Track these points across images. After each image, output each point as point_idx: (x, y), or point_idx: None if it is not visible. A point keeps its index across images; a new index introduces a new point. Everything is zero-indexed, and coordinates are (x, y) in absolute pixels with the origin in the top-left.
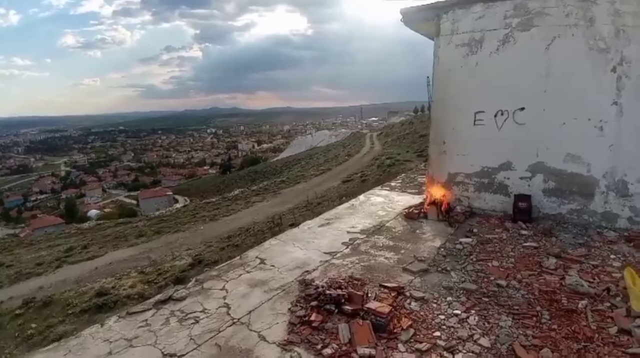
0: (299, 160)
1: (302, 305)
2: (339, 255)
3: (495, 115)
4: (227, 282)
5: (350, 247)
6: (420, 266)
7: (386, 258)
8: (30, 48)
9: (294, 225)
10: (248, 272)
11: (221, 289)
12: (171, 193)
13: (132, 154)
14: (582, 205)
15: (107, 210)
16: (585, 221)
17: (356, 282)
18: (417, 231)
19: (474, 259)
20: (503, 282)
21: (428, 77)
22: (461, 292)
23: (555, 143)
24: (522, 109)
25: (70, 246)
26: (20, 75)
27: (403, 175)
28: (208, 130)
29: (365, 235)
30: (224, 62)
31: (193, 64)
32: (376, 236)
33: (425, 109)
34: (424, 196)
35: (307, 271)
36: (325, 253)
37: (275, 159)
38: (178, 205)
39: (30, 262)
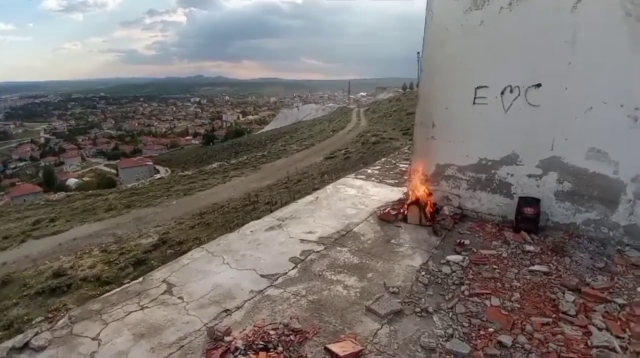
0: (284, 134)
1: None
2: (280, 280)
3: (502, 93)
4: (107, 325)
5: (299, 266)
6: (391, 304)
7: (346, 287)
8: (12, 12)
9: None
10: (143, 307)
11: (93, 338)
12: (152, 163)
13: (113, 122)
14: (603, 215)
15: (86, 179)
16: (603, 235)
17: (293, 337)
18: (393, 241)
19: (466, 293)
20: (507, 339)
21: (418, 52)
22: None
23: (577, 134)
24: (538, 85)
25: (38, 219)
26: (3, 40)
27: (383, 159)
28: (192, 99)
29: (323, 247)
30: (209, 28)
31: (177, 29)
32: (338, 248)
33: (414, 86)
34: (405, 190)
35: (226, 310)
36: (262, 276)
37: (259, 132)
38: (158, 176)
39: None
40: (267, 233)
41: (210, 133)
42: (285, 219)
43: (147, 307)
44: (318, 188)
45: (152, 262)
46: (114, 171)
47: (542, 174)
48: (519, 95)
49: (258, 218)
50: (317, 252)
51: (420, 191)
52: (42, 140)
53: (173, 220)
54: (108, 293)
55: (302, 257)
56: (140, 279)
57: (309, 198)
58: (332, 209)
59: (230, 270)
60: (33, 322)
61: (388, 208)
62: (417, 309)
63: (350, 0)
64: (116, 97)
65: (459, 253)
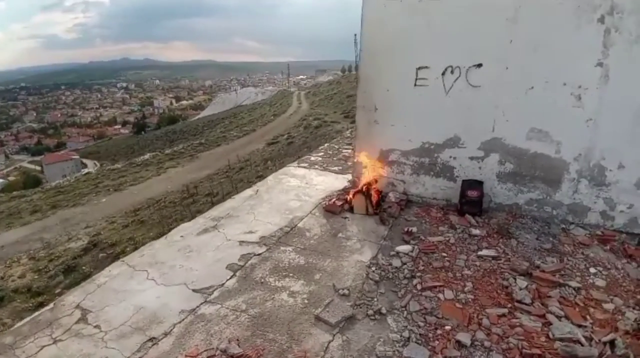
0: (222, 120)
1: None
2: (216, 293)
3: (444, 73)
4: None
5: (238, 274)
6: (342, 310)
7: (292, 294)
8: None
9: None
10: (55, 340)
11: None
12: (78, 156)
13: (34, 114)
14: (545, 195)
15: (11, 178)
16: (547, 214)
17: None
18: (340, 235)
19: (419, 288)
20: (465, 338)
21: (355, 34)
22: None
23: (518, 114)
24: (479, 65)
25: None
26: None
27: (326, 145)
28: (118, 85)
29: (265, 248)
30: (134, 7)
31: (100, 9)
32: (282, 248)
33: (352, 69)
34: (350, 178)
35: (152, 339)
36: (194, 291)
37: (196, 118)
38: (86, 171)
39: None
40: (200, 238)
41: (140, 121)
42: (221, 219)
43: (60, 340)
44: (262, 177)
45: (83, 268)
46: (38, 168)
47: (484, 156)
48: (459, 76)
49: (199, 211)
50: (259, 254)
51: (365, 179)
52: None
53: (104, 219)
54: (19, 324)
55: (242, 263)
56: (51, 305)
57: (248, 192)
58: (274, 203)
59: (157, 287)
60: None
61: (333, 199)
62: (370, 312)
63: None
64: (37, 86)
65: (407, 242)
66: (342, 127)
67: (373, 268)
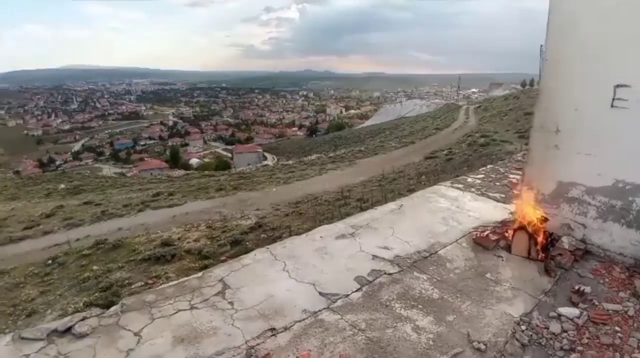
0: (383, 130)
1: None
2: (339, 302)
3: None
4: (153, 321)
5: (364, 289)
6: None
7: (416, 329)
8: (144, 3)
9: (312, 227)
10: (192, 307)
11: (135, 334)
12: (261, 150)
13: (231, 111)
14: None
15: (206, 160)
16: None
17: None
18: (488, 276)
19: None
20: None
21: (541, 45)
22: None
23: None
24: None
25: (158, 191)
26: (133, 28)
27: (489, 167)
28: (300, 93)
29: (398, 269)
30: (320, 23)
31: (291, 25)
32: (416, 273)
33: (535, 83)
34: (513, 210)
35: (272, 329)
36: (321, 293)
37: (360, 127)
38: (265, 163)
39: (118, 203)
40: (337, 242)
41: (314, 125)
42: (360, 228)
43: (196, 308)
44: (413, 191)
45: (247, 243)
46: (229, 155)
47: None
48: None
49: (347, 214)
50: (390, 274)
51: (533, 214)
52: (170, 123)
53: (271, 206)
54: (165, 285)
55: (370, 278)
56: (200, 274)
57: (391, 206)
58: (417, 222)
59: (289, 280)
60: (132, 287)
61: (487, 231)
62: None
63: None
64: (235, 88)
65: (575, 304)
66: (514, 148)
67: (523, 327)
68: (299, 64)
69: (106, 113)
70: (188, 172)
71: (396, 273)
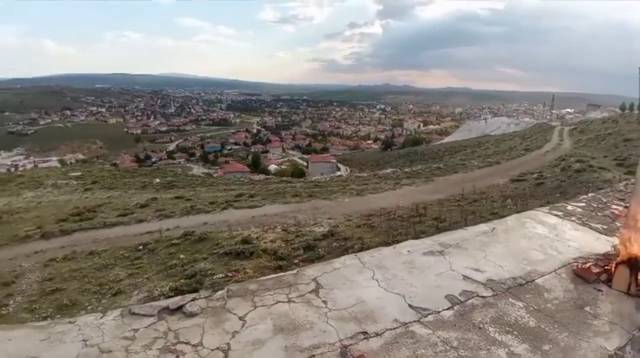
0: (465, 147)
1: None
2: (430, 318)
3: None
4: (255, 308)
5: (456, 308)
6: None
7: (511, 355)
8: (234, 19)
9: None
10: (289, 300)
11: (240, 318)
12: (335, 161)
13: (310, 122)
14: None
15: (283, 166)
16: None
17: None
18: (587, 309)
19: None
20: None
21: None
22: None
23: None
24: None
25: (240, 193)
26: (225, 42)
27: (590, 195)
28: (377, 106)
29: (491, 292)
30: (402, 38)
31: (372, 40)
32: (511, 299)
33: (634, 108)
34: (615, 243)
35: (364, 333)
36: (410, 306)
37: (439, 143)
38: (339, 173)
39: (205, 200)
40: (425, 258)
41: (389, 139)
42: (449, 246)
43: (293, 301)
44: (496, 215)
45: (319, 250)
46: (305, 164)
47: None
48: None
49: (423, 232)
50: (482, 297)
51: (636, 249)
52: (254, 131)
53: (343, 216)
54: (265, 278)
55: (462, 298)
56: (295, 271)
57: (483, 227)
58: (511, 247)
59: (378, 289)
60: (214, 277)
61: (589, 264)
62: None
63: (558, 4)
64: (315, 100)
65: None
66: (612, 177)
67: None
68: (378, 77)
69: (199, 118)
70: (268, 176)
71: (490, 297)
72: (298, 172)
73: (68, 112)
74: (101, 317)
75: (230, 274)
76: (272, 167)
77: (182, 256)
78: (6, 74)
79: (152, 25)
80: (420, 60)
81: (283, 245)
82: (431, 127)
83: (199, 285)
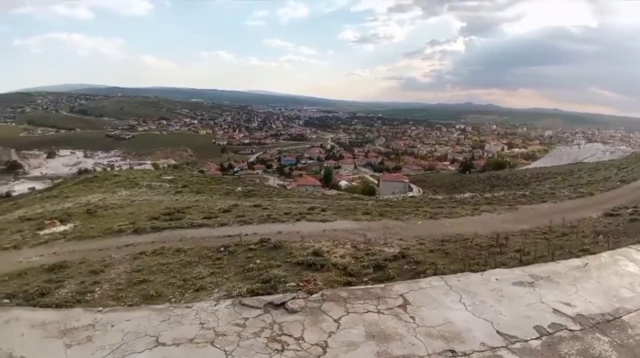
0: (555, 175)
1: None
2: (518, 345)
3: None
4: (348, 314)
5: (544, 339)
6: None
7: None
8: (316, 39)
9: (487, 265)
10: (378, 311)
11: (335, 320)
12: (407, 181)
13: (384, 139)
14: None
15: (354, 183)
16: None
17: None
18: None
19: None
20: None
21: None
22: None
23: None
24: None
25: (313, 206)
26: (307, 61)
27: None
28: (457, 126)
29: (579, 327)
30: (486, 55)
31: (454, 58)
32: (598, 335)
33: None
34: None
35: (452, 352)
36: (498, 333)
37: (524, 168)
38: (411, 194)
39: (280, 210)
40: (514, 288)
41: (468, 161)
42: (540, 278)
43: (382, 313)
44: (587, 251)
45: (390, 270)
46: (375, 181)
47: None
48: None
49: (503, 264)
50: (570, 330)
51: None
52: (328, 146)
53: (415, 238)
54: (355, 287)
55: (550, 330)
56: (382, 285)
57: (576, 261)
58: (603, 284)
59: (465, 312)
60: (287, 284)
61: None
62: None
63: None
64: (390, 118)
65: None
66: None
67: None
68: (459, 96)
69: (279, 133)
70: (340, 192)
71: (577, 330)
72: (368, 190)
73: (164, 122)
74: (215, 305)
75: (302, 284)
76: (343, 183)
77: (258, 261)
78: (107, 82)
79: (242, 45)
80: (505, 79)
81: (352, 261)
82: (516, 150)
83: (273, 290)
